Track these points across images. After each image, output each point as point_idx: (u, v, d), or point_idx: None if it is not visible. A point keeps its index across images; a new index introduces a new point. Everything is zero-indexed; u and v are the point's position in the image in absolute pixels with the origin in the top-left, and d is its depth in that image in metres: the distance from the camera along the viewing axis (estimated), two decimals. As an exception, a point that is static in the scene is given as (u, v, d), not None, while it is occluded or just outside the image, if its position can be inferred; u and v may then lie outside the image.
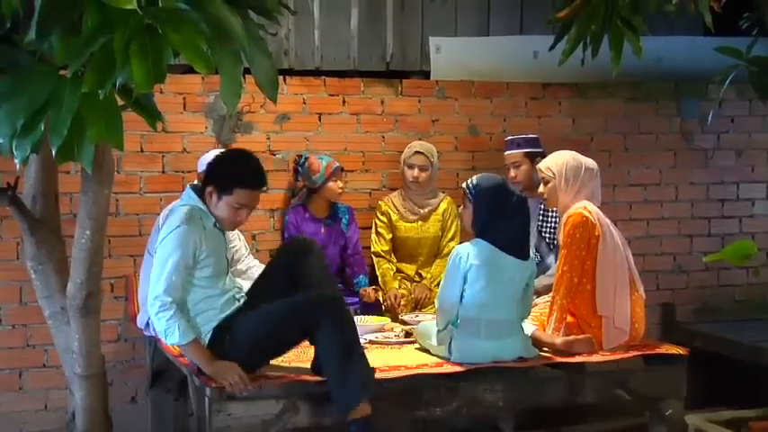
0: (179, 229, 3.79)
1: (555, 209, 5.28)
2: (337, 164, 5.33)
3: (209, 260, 3.85)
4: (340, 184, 5.34)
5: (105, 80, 2.29)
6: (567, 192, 4.47)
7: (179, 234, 3.78)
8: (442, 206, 5.53)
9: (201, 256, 3.82)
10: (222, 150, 4.15)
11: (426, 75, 5.96)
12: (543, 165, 4.56)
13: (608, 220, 4.45)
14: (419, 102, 5.93)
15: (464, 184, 4.26)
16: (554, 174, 4.49)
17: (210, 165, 3.97)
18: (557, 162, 4.52)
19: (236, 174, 3.86)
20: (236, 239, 5.05)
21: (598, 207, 4.46)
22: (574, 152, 4.59)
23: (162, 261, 3.77)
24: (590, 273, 4.35)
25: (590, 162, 4.55)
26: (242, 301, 4.03)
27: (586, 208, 4.39)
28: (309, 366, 3.92)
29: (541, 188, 4.58)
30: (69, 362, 3.77)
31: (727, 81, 4.64)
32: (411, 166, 5.44)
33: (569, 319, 4.36)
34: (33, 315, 4.81)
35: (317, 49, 5.74)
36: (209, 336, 3.88)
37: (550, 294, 4.56)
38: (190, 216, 3.83)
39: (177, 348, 4.36)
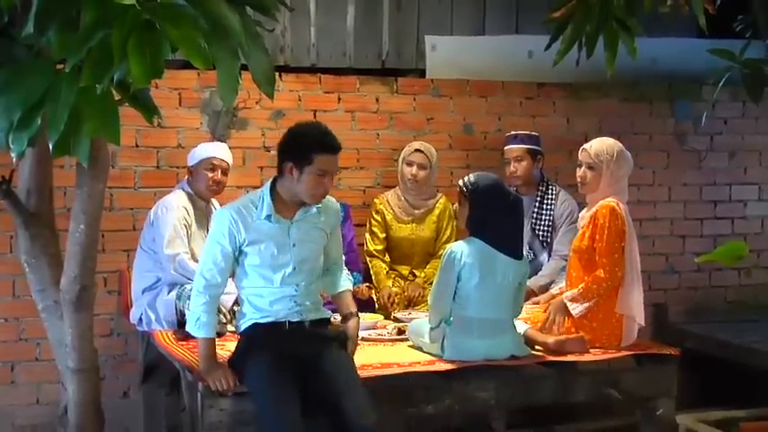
0: (217, 212, 4.02)
1: (551, 207, 5.31)
2: None
3: (253, 248, 3.80)
4: None
5: (103, 75, 2.30)
6: (608, 181, 4.46)
7: (215, 216, 3.97)
8: (438, 208, 5.52)
9: (244, 243, 3.79)
10: (294, 127, 3.92)
11: (422, 73, 5.97)
12: (592, 150, 4.50)
13: (630, 219, 4.47)
14: (414, 100, 5.94)
15: (460, 182, 4.26)
16: (602, 161, 4.47)
17: (284, 142, 3.86)
18: (606, 150, 4.48)
19: (312, 142, 3.76)
20: None
21: (625, 203, 4.48)
22: (617, 141, 4.58)
23: (206, 241, 3.96)
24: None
25: (629, 155, 4.55)
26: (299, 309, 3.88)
27: (618, 204, 4.40)
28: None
29: (582, 172, 4.52)
30: (62, 356, 3.77)
31: (721, 83, 4.66)
32: (410, 164, 5.44)
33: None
34: (26, 309, 4.82)
35: (313, 46, 5.76)
36: (244, 326, 3.89)
37: (547, 295, 4.58)
38: (239, 203, 3.88)
39: (169, 343, 4.38)
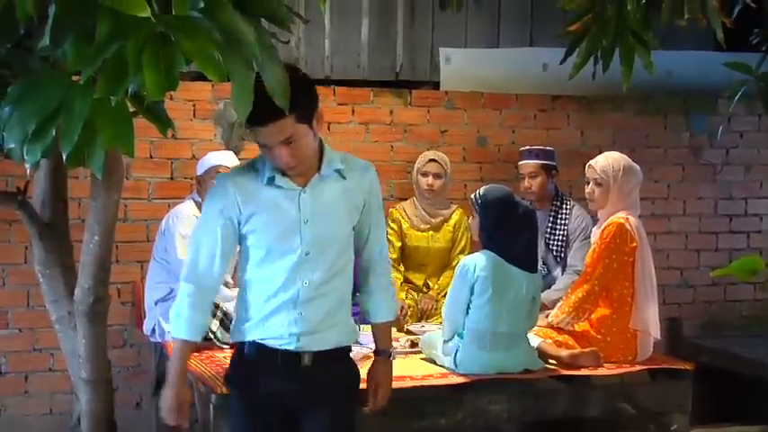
0: (217, 178, 3.13)
1: (566, 222, 5.30)
2: None
3: (253, 225, 2.93)
4: None
5: (118, 87, 2.30)
6: (617, 196, 4.45)
7: (216, 182, 3.07)
8: (454, 218, 5.52)
9: (244, 220, 2.93)
10: None
11: (436, 85, 5.98)
12: (597, 166, 4.51)
13: (644, 233, 4.46)
14: (428, 112, 5.94)
15: (471, 196, 4.27)
16: (609, 177, 4.47)
17: None
18: (612, 165, 4.48)
19: None
20: None
21: (638, 217, 4.47)
22: (623, 155, 4.59)
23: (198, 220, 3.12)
24: (617, 284, 4.38)
25: (638, 167, 4.55)
26: (298, 330, 2.95)
27: (628, 220, 4.39)
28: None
29: (590, 189, 4.53)
30: (75, 366, 3.77)
31: (737, 96, 4.64)
32: (425, 174, 5.44)
33: (585, 326, 4.40)
34: (40, 319, 4.83)
35: (327, 58, 5.77)
36: (233, 337, 3.11)
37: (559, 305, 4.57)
38: (238, 167, 3.14)
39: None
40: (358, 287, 3.20)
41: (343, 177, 3.00)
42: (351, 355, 3.15)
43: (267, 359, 2.96)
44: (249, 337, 2.98)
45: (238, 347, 3.05)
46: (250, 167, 2.98)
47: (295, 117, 2.80)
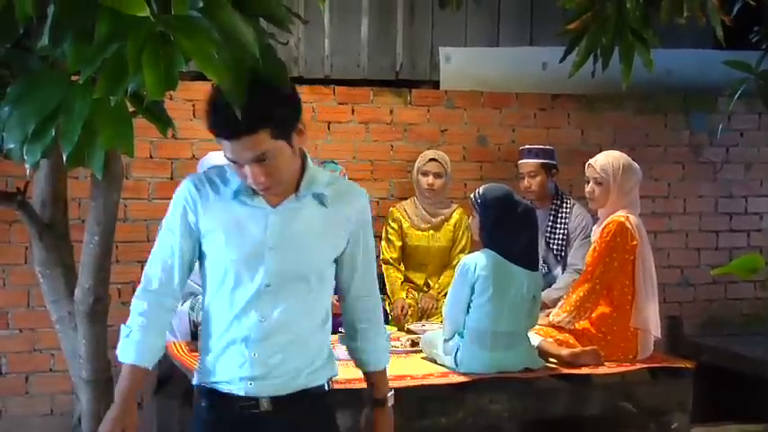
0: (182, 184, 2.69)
1: (566, 221, 5.29)
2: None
3: (209, 243, 2.55)
4: None
5: (117, 87, 2.30)
6: (617, 194, 4.46)
7: (180, 189, 2.67)
8: (455, 217, 5.52)
9: (202, 227, 2.56)
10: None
11: (436, 84, 5.97)
12: (597, 165, 4.52)
13: (645, 231, 4.46)
14: (428, 111, 5.94)
15: (471, 195, 4.27)
16: (608, 175, 4.47)
17: None
18: (612, 164, 4.49)
19: (209, 119, 2.58)
20: None
21: (638, 215, 4.47)
22: (623, 153, 4.60)
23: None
24: (618, 282, 4.38)
25: (637, 166, 4.55)
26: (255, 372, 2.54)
27: (628, 218, 4.40)
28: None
29: (590, 188, 4.54)
30: (76, 366, 3.77)
31: (737, 94, 4.64)
32: (426, 174, 5.44)
33: (586, 324, 4.39)
34: (41, 319, 4.83)
35: (327, 57, 5.77)
36: (195, 377, 2.72)
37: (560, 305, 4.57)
38: (206, 171, 2.71)
39: (183, 354, 4.38)
40: (341, 325, 2.82)
41: (324, 205, 2.57)
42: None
43: (220, 413, 2.60)
44: (203, 379, 2.63)
45: (195, 396, 2.71)
46: (220, 174, 2.62)
47: (270, 132, 2.43)
